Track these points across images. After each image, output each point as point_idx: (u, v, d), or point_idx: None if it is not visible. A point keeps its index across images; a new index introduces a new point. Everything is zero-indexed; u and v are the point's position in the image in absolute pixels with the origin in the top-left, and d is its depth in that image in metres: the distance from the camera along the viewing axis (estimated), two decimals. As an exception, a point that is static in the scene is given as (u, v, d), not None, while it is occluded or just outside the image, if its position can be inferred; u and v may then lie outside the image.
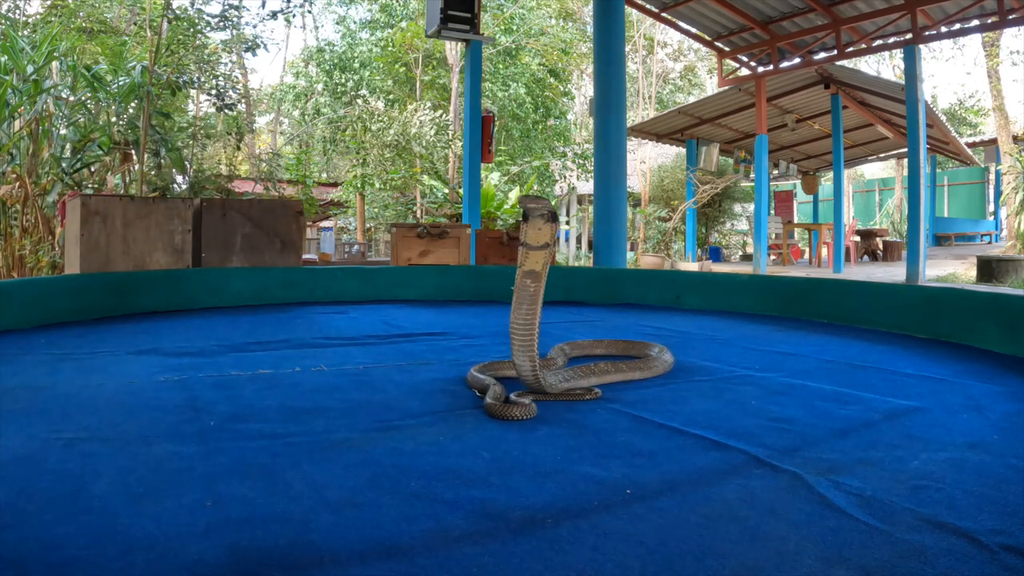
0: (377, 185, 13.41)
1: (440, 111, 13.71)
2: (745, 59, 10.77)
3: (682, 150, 15.03)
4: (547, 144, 16.90)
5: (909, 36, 8.50)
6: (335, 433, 1.44)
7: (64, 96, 6.85)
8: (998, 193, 15.82)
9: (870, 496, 1.08)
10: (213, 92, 8.58)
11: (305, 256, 7.14)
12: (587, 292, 4.51)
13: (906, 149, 9.26)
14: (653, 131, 13.97)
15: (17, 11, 9.41)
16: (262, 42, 9.31)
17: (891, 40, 9.21)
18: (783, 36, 9.87)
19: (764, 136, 10.40)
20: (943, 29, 8.66)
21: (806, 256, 15.44)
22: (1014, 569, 0.85)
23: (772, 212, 15.13)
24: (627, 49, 18.50)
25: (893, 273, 10.01)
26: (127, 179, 7.16)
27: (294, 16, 9.34)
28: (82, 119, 6.86)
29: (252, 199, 6.09)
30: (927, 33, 8.63)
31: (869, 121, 12.88)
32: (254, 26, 13.39)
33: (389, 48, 16.19)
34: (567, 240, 17.54)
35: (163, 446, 1.33)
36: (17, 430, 1.41)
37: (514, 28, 16.52)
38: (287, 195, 9.31)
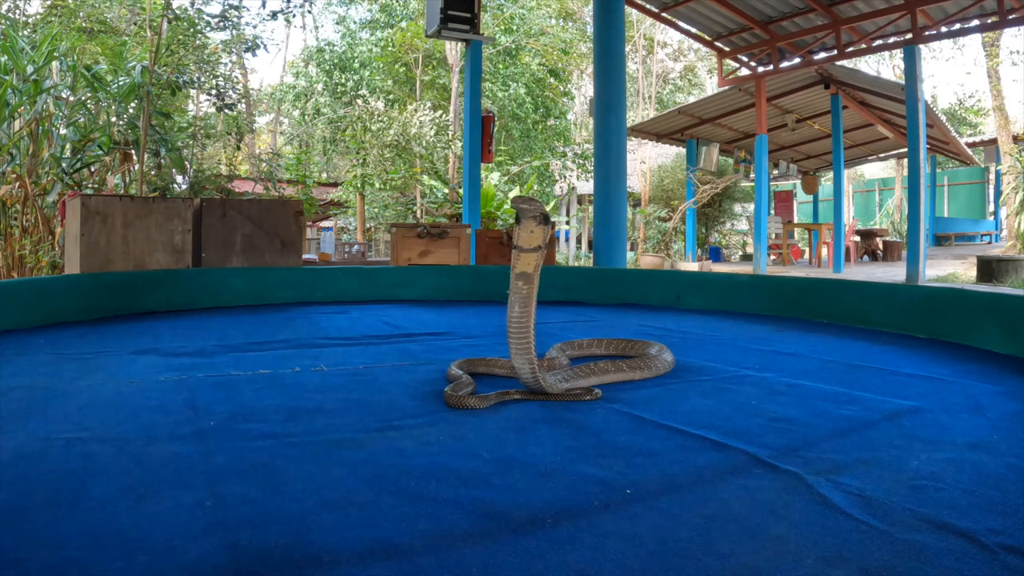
0: (377, 185, 13.41)
1: (440, 111, 13.71)
2: (745, 59, 10.77)
3: (682, 150, 15.03)
4: (547, 144, 16.90)
5: (909, 36, 8.50)
6: (335, 433, 1.44)
7: (64, 96, 6.85)
8: (998, 193, 15.83)
9: (870, 496, 1.08)
10: (213, 92, 8.58)
11: (305, 256, 7.14)
12: (587, 292, 4.51)
13: (906, 149, 9.27)
14: (653, 131, 13.97)
15: (17, 11, 9.41)
16: (262, 42, 9.30)
17: (891, 40, 9.21)
18: (783, 36, 9.87)
19: (764, 136, 10.41)
20: (943, 29, 8.67)
21: (806, 256, 15.44)
22: (1014, 569, 0.85)
23: (772, 212, 15.13)
24: (627, 49, 18.49)
25: (893, 273, 10.01)
26: (127, 179, 7.16)
27: (294, 16, 9.33)
28: (82, 119, 6.86)
29: (252, 199, 6.09)
30: (927, 33, 8.63)
31: (869, 121, 12.88)
32: (254, 26, 13.45)
33: (389, 48, 16.19)
34: (567, 240, 17.53)
35: (163, 446, 1.33)
36: (17, 430, 1.41)
37: (514, 28, 16.52)
38: (287, 195, 9.31)
